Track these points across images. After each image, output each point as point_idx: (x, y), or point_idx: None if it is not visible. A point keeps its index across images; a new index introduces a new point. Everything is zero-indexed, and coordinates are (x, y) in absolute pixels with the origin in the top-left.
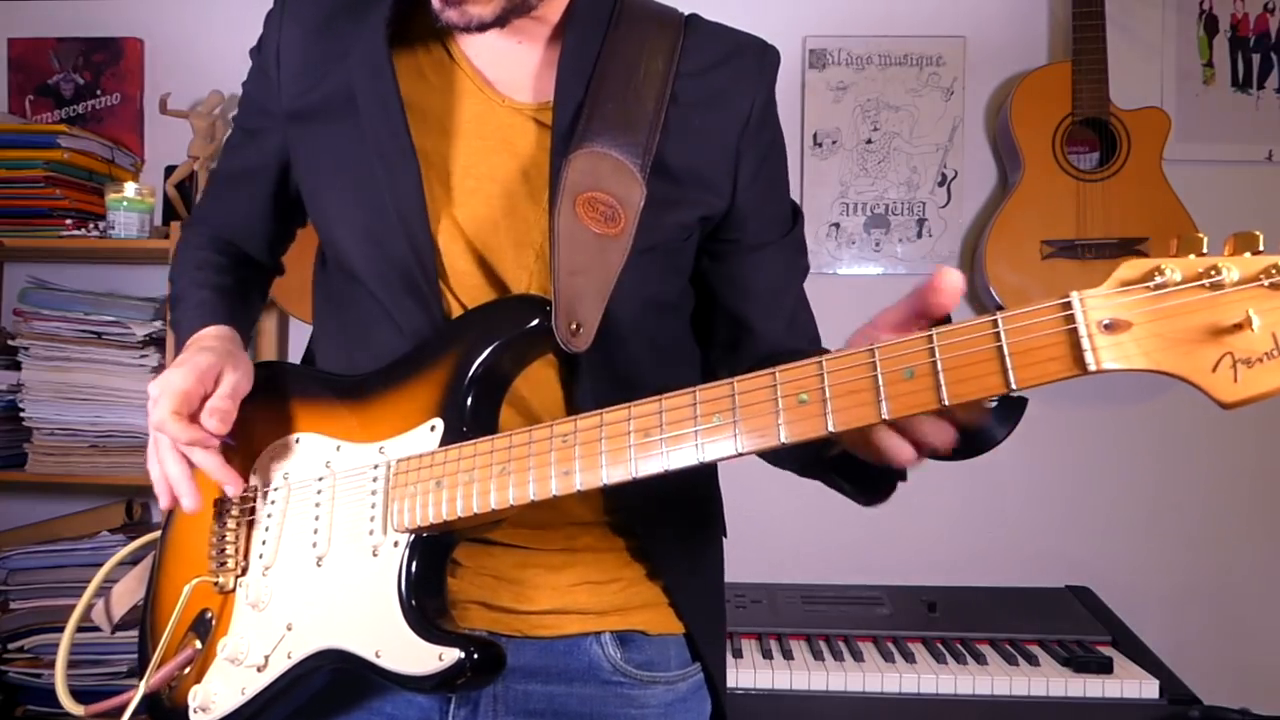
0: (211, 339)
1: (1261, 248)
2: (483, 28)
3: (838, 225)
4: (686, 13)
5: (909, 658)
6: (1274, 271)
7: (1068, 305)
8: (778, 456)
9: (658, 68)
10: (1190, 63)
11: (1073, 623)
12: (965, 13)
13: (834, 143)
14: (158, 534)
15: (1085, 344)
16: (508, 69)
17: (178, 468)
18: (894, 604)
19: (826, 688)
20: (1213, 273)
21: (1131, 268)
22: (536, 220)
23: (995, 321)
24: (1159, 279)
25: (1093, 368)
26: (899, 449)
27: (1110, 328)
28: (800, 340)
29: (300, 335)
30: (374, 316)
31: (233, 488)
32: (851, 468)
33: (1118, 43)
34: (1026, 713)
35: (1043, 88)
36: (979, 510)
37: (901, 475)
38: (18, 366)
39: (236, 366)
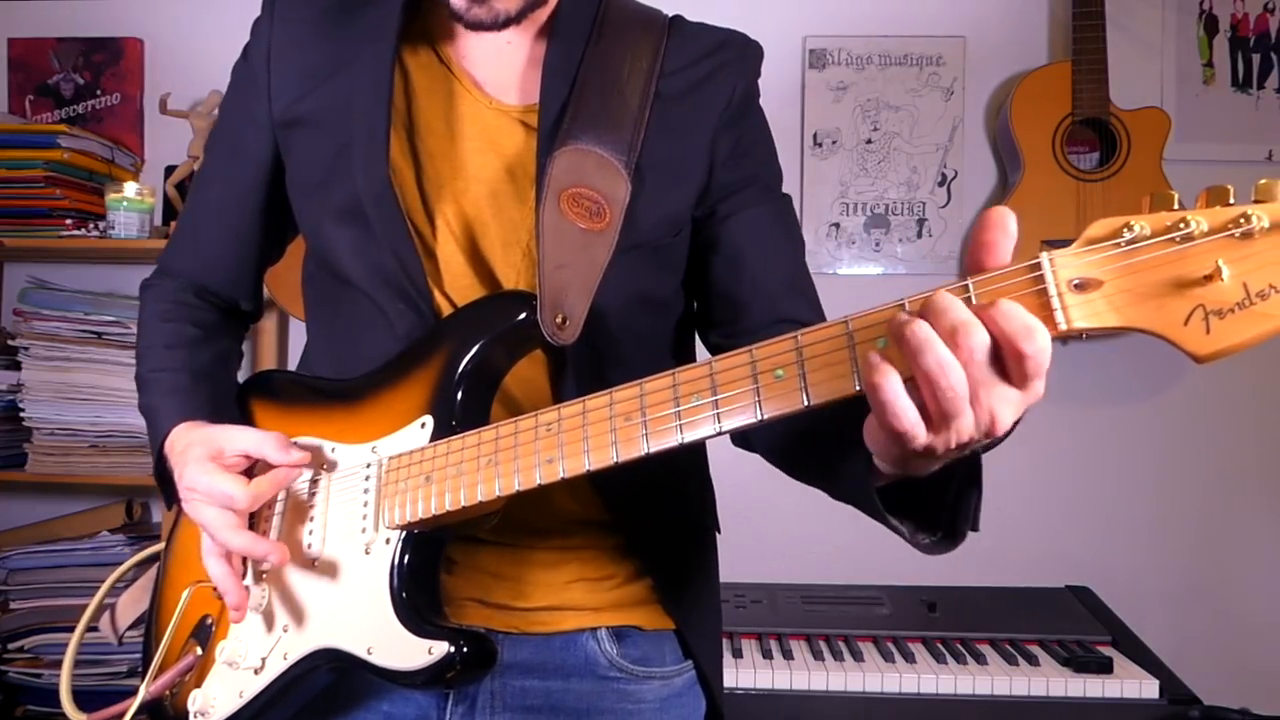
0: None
1: (1233, 200)
2: (507, 23)
3: (838, 225)
4: (680, 14)
5: (909, 658)
6: (1243, 220)
7: (1037, 266)
8: (833, 488)
9: (642, 67)
10: (1190, 63)
11: (1073, 623)
12: (965, 13)
13: (834, 143)
14: (160, 545)
15: (1055, 303)
16: (495, 71)
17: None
18: (894, 604)
19: (826, 688)
20: (1182, 225)
21: (1101, 226)
22: (523, 219)
23: (966, 286)
24: (1128, 235)
25: (1063, 326)
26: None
27: (1081, 286)
28: (800, 305)
29: (300, 335)
30: (365, 318)
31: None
32: (904, 498)
33: (1118, 43)
34: (1026, 713)
35: (1043, 88)
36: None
37: (966, 509)
38: (18, 366)
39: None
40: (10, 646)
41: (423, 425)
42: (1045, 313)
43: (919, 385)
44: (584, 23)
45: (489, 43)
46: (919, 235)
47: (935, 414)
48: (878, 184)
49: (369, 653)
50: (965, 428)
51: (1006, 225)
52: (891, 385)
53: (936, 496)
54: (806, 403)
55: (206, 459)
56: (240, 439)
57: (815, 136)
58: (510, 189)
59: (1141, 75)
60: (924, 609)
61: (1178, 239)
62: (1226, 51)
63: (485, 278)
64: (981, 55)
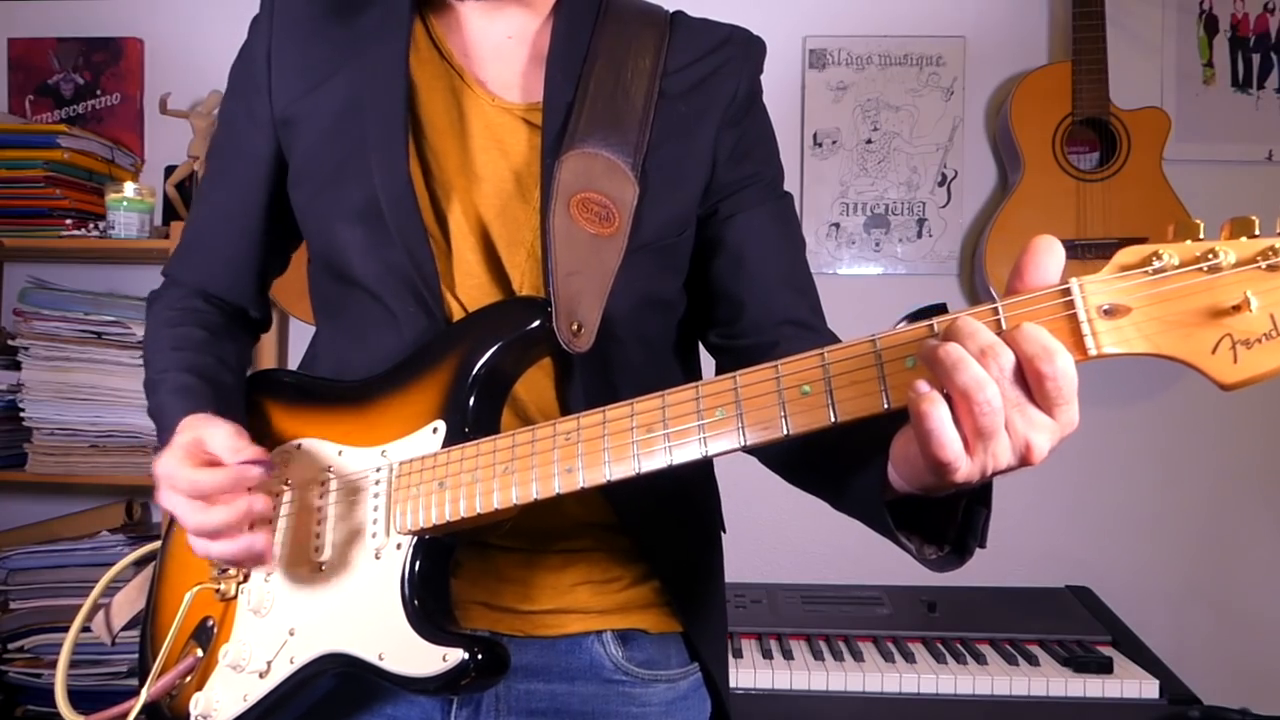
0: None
1: (1258, 231)
2: None
3: (838, 225)
4: (676, 10)
5: (909, 658)
6: (1271, 254)
7: (1067, 292)
8: (840, 500)
9: (645, 66)
10: (1190, 63)
11: (1073, 623)
12: (965, 13)
13: (834, 143)
14: (158, 543)
15: (1085, 329)
16: (496, 68)
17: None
18: (894, 604)
19: (826, 688)
20: (1210, 256)
21: (1130, 253)
22: (527, 219)
23: (996, 309)
24: (1157, 264)
25: (1093, 352)
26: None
27: (1110, 313)
28: (800, 306)
29: (300, 335)
30: (371, 319)
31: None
32: (912, 514)
33: (1118, 43)
34: (1026, 713)
35: (1043, 88)
36: None
37: (975, 526)
38: (18, 366)
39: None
40: (10, 646)
41: (434, 430)
42: (1075, 338)
43: (955, 405)
44: (585, 20)
45: (490, 38)
46: (919, 235)
47: (972, 434)
48: (878, 184)
49: (380, 658)
50: (1002, 453)
51: (1054, 251)
52: (939, 414)
53: (946, 514)
54: (834, 419)
55: (182, 447)
56: (212, 435)
57: (815, 136)
58: (515, 189)
59: (1141, 75)
60: (924, 609)
61: (1205, 269)
62: (1226, 51)
63: (497, 277)
64: (981, 55)
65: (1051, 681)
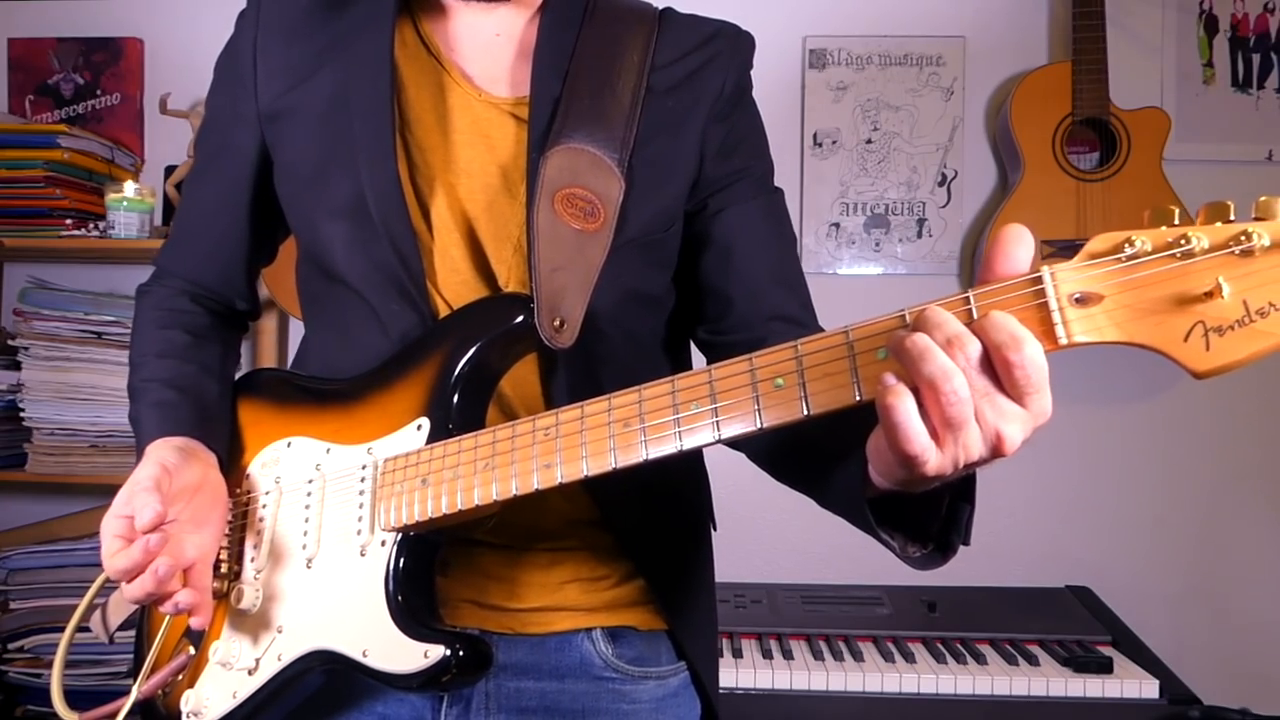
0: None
1: (1233, 216)
2: None
3: (838, 225)
4: (665, 7)
5: (909, 658)
6: (1244, 238)
7: (1039, 280)
8: (824, 498)
9: (633, 61)
10: (1190, 63)
11: (1073, 623)
12: (965, 13)
13: (834, 143)
14: None
15: (1056, 317)
16: (484, 63)
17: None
18: (894, 604)
19: (826, 688)
20: (1183, 242)
21: (1102, 240)
22: (514, 214)
23: (968, 298)
24: (1129, 250)
25: (1064, 341)
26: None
27: (1081, 301)
28: (790, 302)
29: (300, 335)
30: (357, 317)
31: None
32: (896, 510)
33: (1118, 43)
34: (1026, 713)
35: (1043, 88)
36: (979, 510)
37: (958, 522)
38: (18, 366)
39: (199, 522)
40: (10, 646)
41: (419, 427)
42: (1046, 326)
43: (923, 396)
44: (573, 16)
45: (478, 34)
46: (919, 235)
47: (940, 425)
48: (878, 184)
49: (364, 655)
50: (973, 444)
51: (1023, 241)
52: (906, 407)
53: (929, 510)
54: (806, 412)
55: (151, 479)
56: (138, 497)
57: (815, 136)
58: (501, 184)
59: (1141, 75)
60: (924, 609)
61: (1178, 255)
62: (1226, 51)
63: (482, 273)
64: (981, 55)
65: (1051, 681)
